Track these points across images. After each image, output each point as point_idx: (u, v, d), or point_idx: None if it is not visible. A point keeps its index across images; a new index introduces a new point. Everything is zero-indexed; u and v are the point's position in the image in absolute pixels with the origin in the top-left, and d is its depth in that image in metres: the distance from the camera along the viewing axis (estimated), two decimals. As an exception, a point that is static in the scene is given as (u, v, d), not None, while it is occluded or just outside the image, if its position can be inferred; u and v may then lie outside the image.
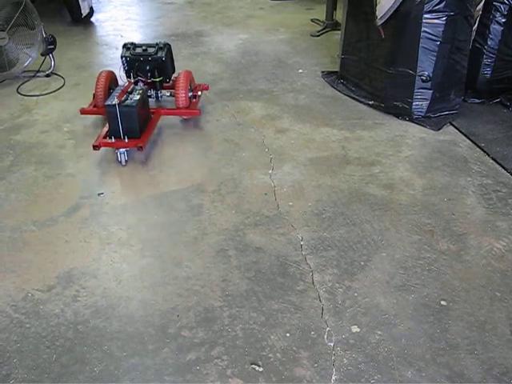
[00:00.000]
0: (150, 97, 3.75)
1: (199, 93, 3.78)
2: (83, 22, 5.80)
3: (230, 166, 3.21)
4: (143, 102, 3.37)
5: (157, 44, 3.72)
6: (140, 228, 2.69)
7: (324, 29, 5.59)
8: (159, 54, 3.67)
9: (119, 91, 3.30)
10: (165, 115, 3.64)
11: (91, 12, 5.90)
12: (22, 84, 4.32)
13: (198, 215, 2.78)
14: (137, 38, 5.48)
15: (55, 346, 2.04)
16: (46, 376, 1.93)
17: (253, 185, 3.03)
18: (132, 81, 3.54)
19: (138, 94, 3.31)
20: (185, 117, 3.70)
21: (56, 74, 4.51)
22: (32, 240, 2.61)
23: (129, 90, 3.35)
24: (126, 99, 3.24)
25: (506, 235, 2.63)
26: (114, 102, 3.16)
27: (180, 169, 3.20)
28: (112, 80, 3.74)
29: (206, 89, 3.96)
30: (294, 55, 4.96)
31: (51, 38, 4.38)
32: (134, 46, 3.74)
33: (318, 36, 5.50)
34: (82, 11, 5.58)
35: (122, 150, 3.18)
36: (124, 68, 3.71)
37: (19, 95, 4.17)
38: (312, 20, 5.93)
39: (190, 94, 3.68)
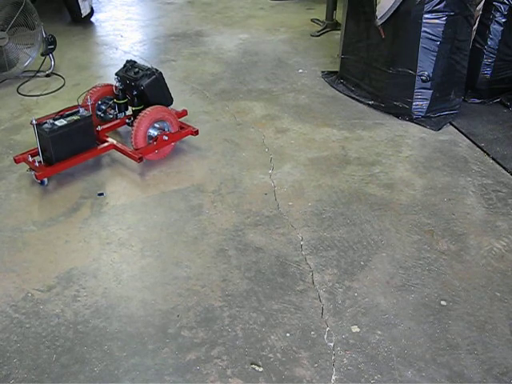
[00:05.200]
0: (128, 124, 3.46)
1: (164, 137, 3.20)
2: (83, 22, 5.80)
3: (230, 166, 3.21)
4: (72, 130, 3.03)
5: (147, 69, 3.37)
6: (140, 228, 2.69)
7: (324, 29, 5.60)
8: (141, 81, 3.30)
9: (55, 112, 3.12)
10: (114, 149, 3.26)
11: (91, 12, 5.91)
12: (22, 84, 4.32)
13: (197, 215, 2.78)
14: (137, 38, 5.49)
15: (55, 346, 2.04)
16: (45, 376, 1.93)
17: (253, 185, 3.03)
18: (89, 103, 3.30)
19: (67, 120, 3.03)
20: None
21: (56, 74, 4.51)
22: (32, 240, 2.61)
23: (68, 112, 3.12)
24: (45, 122, 3.00)
25: (506, 235, 2.63)
26: (33, 122, 2.96)
27: (180, 169, 3.20)
28: (107, 94, 3.51)
29: (192, 133, 3.37)
30: (294, 55, 4.96)
31: (51, 38, 4.38)
32: (132, 65, 3.43)
33: (318, 36, 5.50)
34: (83, 11, 5.58)
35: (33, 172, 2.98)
36: (118, 86, 3.44)
37: (19, 95, 4.17)
38: (312, 20, 5.93)
39: (155, 133, 3.21)
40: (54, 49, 4.43)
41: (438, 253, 2.51)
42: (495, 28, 3.74)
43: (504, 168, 3.17)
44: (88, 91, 3.47)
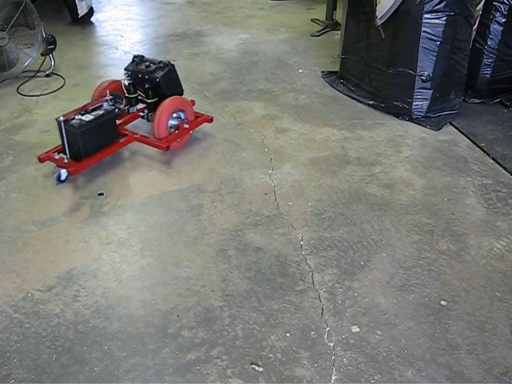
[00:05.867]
0: (143, 117, 3.52)
1: (185, 125, 3.34)
2: (83, 21, 5.80)
3: (230, 166, 3.21)
4: (99, 125, 3.07)
5: (159, 62, 3.43)
6: (140, 228, 2.69)
7: (324, 29, 5.60)
8: (155, 74, 3.36)
9: (79, 108, 3.14)
10: (136, 141, 3.33)
11: (91, 12, 5.91)
12: (22, 84, 4.32)
13: (197, 215, 2.78)
14: (137, 38, 5.49)
15: (55, 346, 2.04)
16: (45, 376, 1.93)
17: (253, 185, 3.03)
18: (108, 98, 3.26)
19: (93, 115, 3.07)
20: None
21: (56, 74, 4.51)
22: (32, 240, 2.61)
23: (92, 107, 3.15)
24: (74, 118, 3.03)
25: (506, 235, 2.63)
26: (60, 119, 2.98)
27: (180, 169, 3.20)
28: (115, 90, 3.47)
29: (208, 121, 3.53)
30: (294, 55, 4.97)
31: (51, 38, 4.38)
32: (141, 60, 3.47)
33: (318, 36, 5.50)
34: (79, 11, 5.56)
35: (61, 169, 3.01)
36: (128, 81, 3.48)
37: (19, 95, 4.17)
38: (312, 20, 5.94)
39: (175, 123, 3.33)
40: (54, 49, 4.43)
41: (437, 253, 2.51)
42: (495, 28, 3.74)
43: (504, 168, 3.17)
44: (97, 88, 3.48)
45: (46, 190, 3.00)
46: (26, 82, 4.36)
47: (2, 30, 4.16)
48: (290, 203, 2.87)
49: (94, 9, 6.04)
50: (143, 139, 3.29)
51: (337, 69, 4.38)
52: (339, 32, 4.73)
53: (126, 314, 2.19)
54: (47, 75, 4.47)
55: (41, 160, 3.08)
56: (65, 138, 3.01)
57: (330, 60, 4.82)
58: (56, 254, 2.52)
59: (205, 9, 6.50)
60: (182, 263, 2.45)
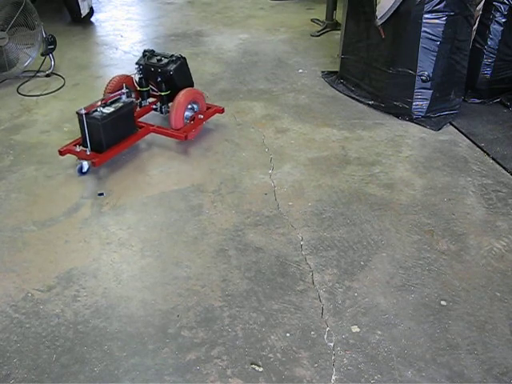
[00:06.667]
0: (155, 110, 3.63)
1: (200, 116, 3.46)
2: (83, 21, 5.80)
3: (230, 166, 3.21)
4: (119, 116, 3.15)
5: (171, 56, 3.52)
6: (140, 228, 2.69)
7: (324, 29, 5.60)
8: (168, 67, 3.45)
9: (98, 100, 3.18)
10: (153, 133, 3.43)
11: (91, 12, 5.91)
12: (22, 84, 4.32)
13: (197, 215, 2.78)
14: (137, 38, 5.49)
15: (55, 346, 2.04)
16: (45, 376, 1.93)
17: (253, 185, 3.03)
18: (123, 91, 3.31)
19: (113, 107, 3.13)
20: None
21: (56, 74, 4.51)
22: (32, 240, 2.61)
23: (111, 100, 3.20)
24: (95, 111, 3.08)
25: (506, 235, 2.63)
26: (81, 112, 3.03)
27: (180, 169, 3.21)
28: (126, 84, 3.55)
29: (220, 111, 3.66)
30: (294, 55, 4.97)
31: (51, 38, 4.38)
32: (152, 54, 3.55)
33: (318, 36, 5.50)
34: (82, 11, 5.57)
35: (83, 161, 3.09)
36: (139, 75, 3.57)
37: (19, 95, 4.17)
38: (312, 20, 5.93)
39: (191, 114, 3.45)
40: (54, 49, 4.43)
41: (437, 253, 2.51)
42: (495, 28, 3.74)
43: (504, 168, 3.17)
44: (109, 83, 3.54)
45: (46, 189, 3.01)
46: (26, 81, 4.36)
47: (2, 30, 4.16)
48: (290, 203, 2.87)
49: (94, 9, 6.04)
50: (161, 130, 3.39)
51: (337, 69, 4.38)
52: (339, 32, 4.73)
53: (125, 313, 2.19)
54: (47, 75, 4.47)
55: (61, 153, 3.14)
56: (86, 131, 3.06)
57: (330, 60, 4.82)
58: (56, 253, 2.52)
59: (205, 9, 6.50)
60: (182, 263, 2.46)
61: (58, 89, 4.27)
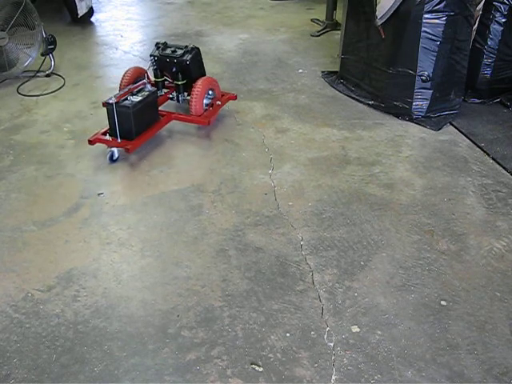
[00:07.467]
0: (171, 99, 3.75)
1: (218, 102, 3.63)
2: (83, 21, 5.80)
3: (230, 166, 3.21)
4: (146, 105, 3.29)
5: (186, 46, 3.65)
6: (140, 228, 2.69)
7: (324, 29, 5.60)
8: (185, 57, 3.58)
9: (125, 90, 3.30)
10: (175, 120, 3.58)
11: (91, 12, 5.91)
12: (22, 84, 4.32)
13: (197, 215, 2.78)
14: (137, 38, 5.49)
15: (55, 346, 2.04)
16: (45, 376, 1.93)
17: (253, 185, 3.03)
18: (145, 81, 3.45)
19: (141, 96, 3.26)
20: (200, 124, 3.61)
21: (56, 74, 4.51)
22: (32, 240, 2.61)
23: (136, 90, 3.33)
24: (125, 99, 3.21)
25: (506, 235, 2.63)
26: (111, 101, 3.14)
27: (180, 169, 3.21)
28: (140, 77, 3.67)
29: (233, 98, 3.84)
30: (294, 55, 4.97)
31: (51, 38, 4.38)
32: (165, 45, 3.68)
33: (318, 36, 5.50)
34: (79, 11, 5.56)
35: (113, 149, 3.21)
36: (153, 67, 3.69)
37: (19, 95, 4.17)
38: (312, 20, 5.94)
39: (208, 101, 3.61)
40: (54, 49, 4.44)
41: (437, 253, 2.51)
42: (495, 28, 3.74)
43: (504, 168, 3.17)
44: (124, 76, 3.64)
45: (46, 189, 3.01)
46: (26, 81, 4.36)
47: (2, 30, 4.16)
48: (290, 203, 2.87)
49: (94, 9, 6.04)
50: (183, 117, 3.55)
51: (337, 69, 4.38)
52: (339, 32, 4.73)
53: (126, 313, 2.19)
54: (47, 75, 4.47)
55: (91, 142, 3.22)
56: (116, 119, 3.12)
57: (330, 60, 4.82)
58: (56, 254, 2.52)
59: (205, 9, 6.50)
60: (182, 263, 2.45)
61: (58, 89, 4.27)
